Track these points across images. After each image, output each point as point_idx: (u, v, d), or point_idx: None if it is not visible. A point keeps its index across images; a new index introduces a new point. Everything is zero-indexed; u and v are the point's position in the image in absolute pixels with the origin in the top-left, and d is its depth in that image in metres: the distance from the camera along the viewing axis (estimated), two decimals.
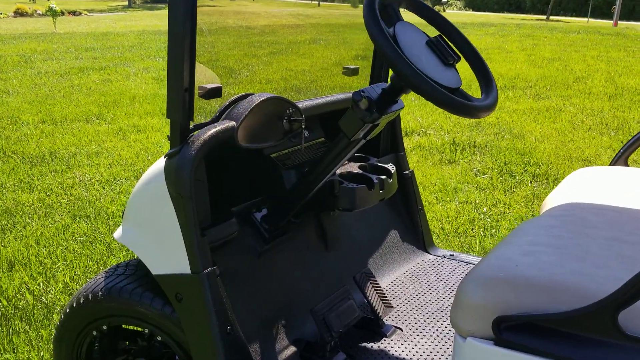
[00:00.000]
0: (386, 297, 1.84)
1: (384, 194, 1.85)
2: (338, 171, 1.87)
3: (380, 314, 1.77)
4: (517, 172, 4.27)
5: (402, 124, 5.50)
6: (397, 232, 2.32)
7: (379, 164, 1.95)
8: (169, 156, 1.52)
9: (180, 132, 1.50)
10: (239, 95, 1.71)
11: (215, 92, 1.59)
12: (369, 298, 1.77)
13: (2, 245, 3.04)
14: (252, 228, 1.78)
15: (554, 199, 1.73)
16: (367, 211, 2.23)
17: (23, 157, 4.58)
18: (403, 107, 1.57)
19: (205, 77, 1.71)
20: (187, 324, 1.53)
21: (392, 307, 1.83)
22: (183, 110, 1.47)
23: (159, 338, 1.68)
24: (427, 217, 3.33)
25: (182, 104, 1.46)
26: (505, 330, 1.09)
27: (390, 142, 2.36)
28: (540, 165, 4.41)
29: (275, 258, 1.80)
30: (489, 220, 3.43)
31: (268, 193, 1.81)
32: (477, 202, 3.70)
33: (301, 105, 1.85)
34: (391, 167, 1.93)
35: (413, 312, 1.93)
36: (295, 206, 1.73)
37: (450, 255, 2.37)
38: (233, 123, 1.58)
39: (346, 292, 1.72)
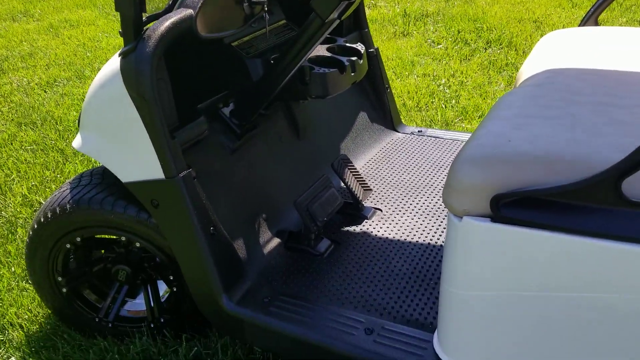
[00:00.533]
0: (364, 180, 1.82)
1: (356, 77, 1.78)
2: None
3: (360, 198, 1.75)
4: (471, 40, 4.21)
5: None
6: (365, 113, 2.27)
7: (348, 45, 1.85)
8: (123, 54, 1.39)
9: (133, 26, 1.36)
10: None
11: None
12: (348, 183, 1.75)
13: None
14: (222, 124, 1.69)
15: (530, 67, 1.69)
16: (336, 95, 2.16)
17: None
18: None
19: None
20: (168, 230, 1.48)
21: (370, 189, 1.81)
22: (134, 0, 1.32)
23: (137, 245, 1.63)
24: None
25: None
26: (504, 207, 1.08)
27: (353, 19, 2.24)
28: (493, 31, 4.35)
29: (250, 153, 1.73)
30: (448, 91, 3.41)
31: (234, 86, 1.71)
32: (435, 74, 3.65)
33: None
34: (360, 47, 1.84)
35: (390, 192, 1.93)
36: (266, 98, 1.65)
37: (419, 131, 2.35)
38: (190, 11, 1.45)
39: (326, 180, 1.69)
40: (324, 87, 1.68)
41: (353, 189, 1.75)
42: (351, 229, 1.74)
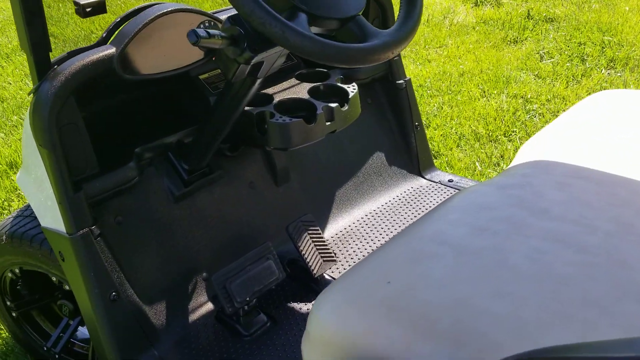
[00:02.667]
0: (328, 248, 1.55)
1: (335, 126, 1.50)
2: (279, 97, 1.53)
3: (315, 271, 1.49)
4: (591, 56, 3.61)
5: None
6: (383, 154, 1.97)
7: (339, 85, 1.57)
8: (30, 95, 1.26)
9: (36, 67, 1.22)
10: (137, 7, 1.37)
11: (96, 8, 1.26)
12: (303, 252, 1.49)
13: None
14: (171, 168, 1.51)
15: (539, 143, 1.32)
16: (343, 130, 1.89)
17: None
18: None
19: None
20: (72, 286, 1.35)
21: (334, 260, 1.54)
22: (33, 41, 1.17)
23: (67, 288, 1.53)
24: (460, 116, 2.91)
25: (29, 34, 1.16)
26: None
27: None
28: (622, 47, 3.70)
29: (201, 202, 1.54)
30: (537, 121, 2.94)
31: (192, 125, 1.52)
32: (529, 95, 3.17)
33: (225, 15, 1.47)
34: (352, 89, 1.56)
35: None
36: (211, 146, 1.44)
37: (449, 180, 2.00)
38: (112, 50, 1.27)
39: (265, 250, 1.45)
40: (284, 139, 1.43)
41: (308, 260, 1.49)
42: (298, 305, 1.49)
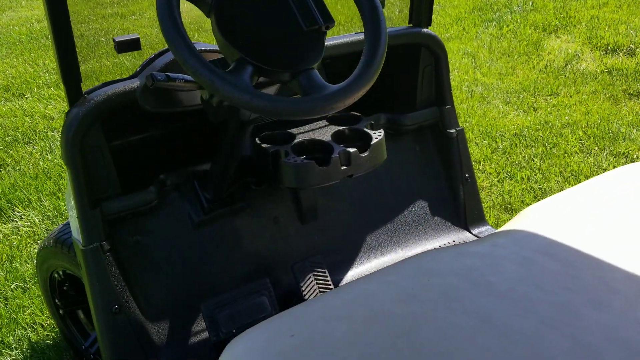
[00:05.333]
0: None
1: (352, 170, 1.51)
2: (301, 137, 1.57)
3: None
4: None
5: (608, 33, 4.50)
6: (425, 202, 1.92)
7: (365, 130, 1.58)
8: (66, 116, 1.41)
9: (67, 95, 1.37)
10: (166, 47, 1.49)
11: (130, 45, 1.40)
12: (304, 292, 1.50)
13: None
14: (192, 196, 1.60)
15: (538, 207, 1.23)
16: (383, 172, 1.86)
17: None
18: None
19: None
20: (87, 294, 1.47)
21: None
22: (64, 69, 1.32)
23: None
24: (550, 171, 2.74)
25: (66, 68, 1.32)
26: None
27: (435, 92, 1.90)
28: None
29: (221, 231, 1.61)
30: None
31: (214, 157, 1.60)
32: (635, 155, 2.91)
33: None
34: (376, 135, 1.55)
35: None
36: (224, 178, 1.51)
37: None
38: (137, 82, 1.39)
39: (262, 285, 1.48)
40: (296, 179, 1.46)
41: (307, 298, 1.49)
42: None
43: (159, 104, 1.42)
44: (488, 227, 1.95)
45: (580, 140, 3.08)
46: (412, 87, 1.87)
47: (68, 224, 1.74)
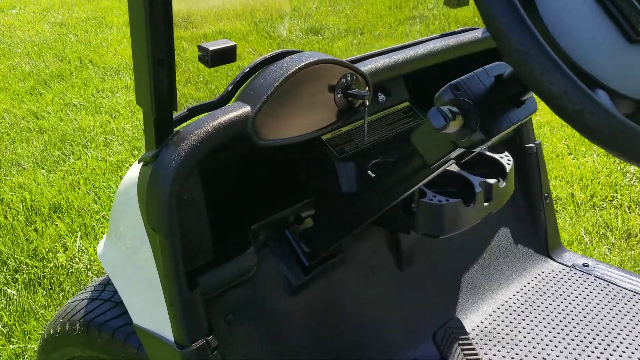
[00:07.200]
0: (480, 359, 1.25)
1: (492, 207, 1.22)
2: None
3: None
4: None
5: None
6: (508, 229, 1.68)
7: (490, 154, 1.29)
8: (143, 162, 0.98)
9: (155, 129, 0.94)
10: (263, 57, 1.09)
11: (224, 55, 0.99)
12: None
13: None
14: (287, 250, 1.22)
15: None
16: None
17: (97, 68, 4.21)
18: (535, 111, 0.89)
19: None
20: None
21: None
22: (157, 95, 0.90)
23: None
24: (551, 176, 2.61)
25: (154, 87, 0.89)
26: None
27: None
28: None
29: (316, 294, 1.24)
30: None
31: (314, 198, 1.23)
32: None
33: (368, 66, 1.19)
34: (506, 161, 1.27)
35: None
36: (353, 226, 1.15)
37: (584, 264, 1.70)
38: (247, 108, 0.99)
39: None
40: (437, 224, 1.14)
41: None
42: None
43: (273, 136, 1.03)
44: (568, 252, 1.75)
45: (563, 141, 3.01)
46: None
47: (97, 298, 1.27)
